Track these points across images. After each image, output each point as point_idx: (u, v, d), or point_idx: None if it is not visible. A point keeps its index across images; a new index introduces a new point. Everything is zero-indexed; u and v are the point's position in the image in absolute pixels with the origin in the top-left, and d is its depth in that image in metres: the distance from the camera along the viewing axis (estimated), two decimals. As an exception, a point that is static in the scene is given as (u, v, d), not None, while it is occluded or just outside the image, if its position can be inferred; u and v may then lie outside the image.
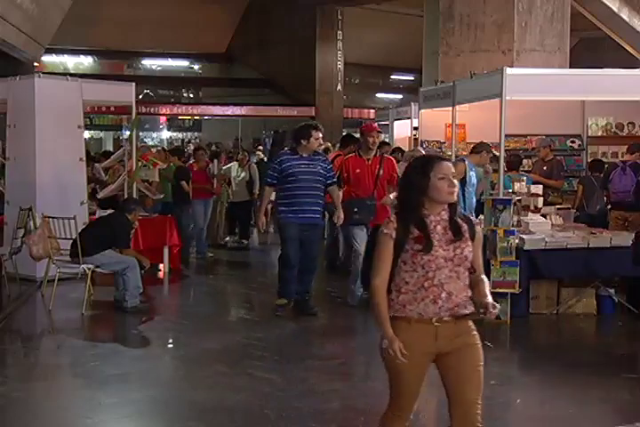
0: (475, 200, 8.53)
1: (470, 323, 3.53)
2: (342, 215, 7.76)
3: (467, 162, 8.43)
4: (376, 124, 8.43)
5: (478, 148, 8.73)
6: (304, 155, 7.57)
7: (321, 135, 7.61)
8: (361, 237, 7.90)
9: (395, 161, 8.36)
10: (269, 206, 12.98)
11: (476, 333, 3.54)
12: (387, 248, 3.48)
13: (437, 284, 3.44)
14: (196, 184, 11.61)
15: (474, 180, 8.49)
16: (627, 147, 9.84)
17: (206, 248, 11.81)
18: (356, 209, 7.86)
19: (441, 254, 3.43)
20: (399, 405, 3.64)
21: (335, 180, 7.82)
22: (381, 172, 7.93)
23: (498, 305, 3.44)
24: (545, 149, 10.22)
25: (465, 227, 3.51)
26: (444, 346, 3.47)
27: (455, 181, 3.47)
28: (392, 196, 8.00)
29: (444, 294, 3.43)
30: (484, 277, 3.59)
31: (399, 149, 10.83)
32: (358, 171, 7.94)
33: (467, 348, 3.50)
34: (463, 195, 8.18)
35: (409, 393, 3.60)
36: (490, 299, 3.44)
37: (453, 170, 3.51)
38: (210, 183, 12.09)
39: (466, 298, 3.48)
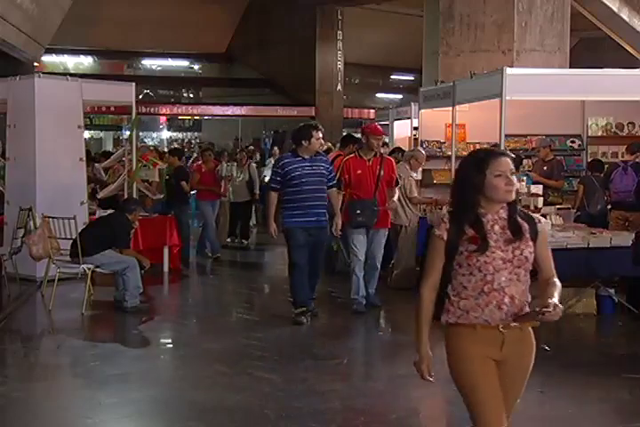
0: None
1: (530, 328, 3.30)
2: (340, 222, 7.60)
3: None
4: (380, 127, 8.22)
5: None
6: (306, 156, 7.35)
7: (322, 135, 7.43)
8: (361, 242, 7.82)
9: (394, 162, 8.23)
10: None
11: (534, 339, 3.33)
12: (437, 251, 3.25)
13: (498, 288, 3.20)
14: (204, 185, 11.64)
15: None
16: (626, 147, 9.84)
17: (219, 248, 11.87)
18: (358, 211, 7.68)
19: (499, 256, 3.19)
20: (486, 422, 3.28)
21: (335, 182, 7.64)
22: (382, 172, 7.75)
23: (561, 306, 3.09)
24: (545, 150, 10.22)
25: (526, 226, 3.25)
26: (507, 353, 3.25)
27: (514, 178, 3.23)
28: (395, 198, 8.01)
29: (506, 299, 3.20)
30: (556, 280, 3.30)
31: (399, 149, 10.82)
32: (359, 172, 7.75)
33: (524, 355, 3.30)
34: None
35: (492, 406, 3.27)
36: (555, 299, 3.14)
37: (512, 166, 3.25)
38: (217, 185, 12.05)
39: (526, 302, 3.25)
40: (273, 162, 15.11)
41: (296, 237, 7.31)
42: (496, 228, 3.23)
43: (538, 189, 8.49)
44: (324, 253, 7.86)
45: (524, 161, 10.47)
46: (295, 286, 7.49)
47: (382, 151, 9.57)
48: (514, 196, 3.23)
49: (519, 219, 3.26)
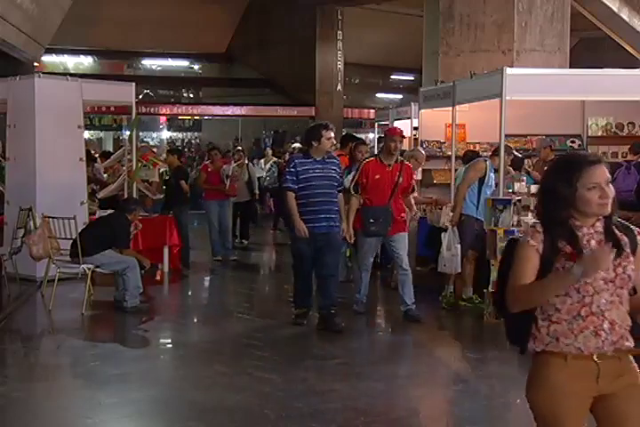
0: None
1: (631, 358, 2.92)
2: (348, 228, 7.33)
3: (488, 162, 8.30)
4: (398, 128, 7.85)
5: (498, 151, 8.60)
6: (317, 158, 7.07)
7: (333, 134, 7.12)
8: (371, 248, 7.65)
9: (412, 168, 7.86)
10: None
11: (638, 370, 2.92)
12: (531, 264, 2.83)
13: (597, 311, 2.82)
14: (210, 185, 11.52)
15: (492, 181, 8.36)
16: (629, 147, 9.83)
17: (230, 251, 11.61)
18: (371, 220, 7.38)
19: (600, 275, 2.78)
20: None
21: (342, 187, 7.34)
22: (401, 179, 7.44)
23: None
24: (545, 150, 10.21)
25: (625, 239, 2.87)
26: (606, 387, 2.84)
27: (609, 189, 2.82)
28: (415, 208, 7.86)
29: (606, 325, 2.81)
30: None
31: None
32: (378, 177, 7.41)
33: (632, 389, 2.87)
34: (479, 193, 8.13)
35: None
36: None
37: (608, 174, 2.85)
38: (223, 184, 11.68)
39: (628, 328, 2.87)
40: (263, 163, 14.99)
41: (303, 241, 7.06)
42: (592, 243, 2.85)
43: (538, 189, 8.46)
44: (339, 258, 7.55)
45: (525, 161, 10.47)
46: (297, 289, 7.42)
47: (361, 150, 9.50)
48: (609, 209, 2.85)
49: (618, 231, 2.90)
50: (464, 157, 9.28)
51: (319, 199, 7.00)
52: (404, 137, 7.62)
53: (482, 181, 8.16)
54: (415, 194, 8.40)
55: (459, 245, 7.97)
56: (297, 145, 18.49)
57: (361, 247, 7.65)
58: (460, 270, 8.06)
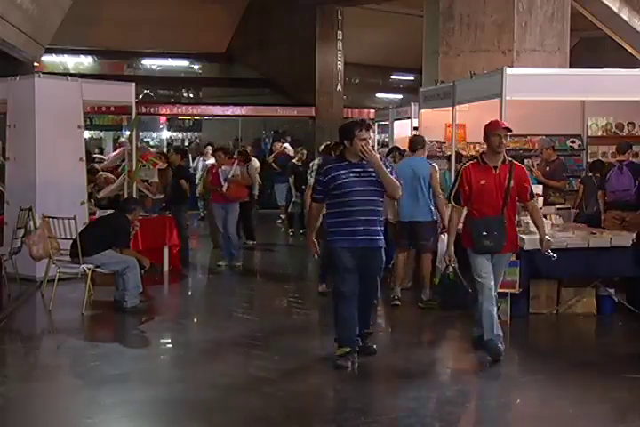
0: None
1: None
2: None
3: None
4: (502, 121, 6.58)
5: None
6: (353, 160, 6.04)
7: (370, 135, 6.10)
8: (486, 268, 6.26)
9: (525, 169, 6.46)
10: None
11: None
12: None
13: None
14: (213, 186, 11.16)
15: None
16: (615, 148, 9.87)
17: (235, 257, 10.97)
18: (484, 233, 6.15)
19: None
20: None
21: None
22: (512, 183, 6.15)
23: None
24: (547, 151, 10.19)
25: None
26: None
27: None
28: (547, 224, 6.79)
29: None
30: None
31: (397, 149, 10.79)
32: (483, 182, 6.17)
33: None
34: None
35: None
36: None
37: None
38: (220, 186, 10.94)
39: None
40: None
41: (342, 260, 6.02)
42: None
43: (538, 189, 8.49)
44: (379, 279, 6.34)
45: (525, 161, 10.48)
46: (339, 319, 6.14)
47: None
48: None
49: None
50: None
51: (358, 208, 5.96)
52: (509, 130, 6.22)
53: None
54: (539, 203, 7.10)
55: (452, 248, 8.00)
56: (287, 145, 18.49)
57: (474, 270, 6.29)
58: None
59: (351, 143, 5.99)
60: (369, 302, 6.37)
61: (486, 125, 6.32)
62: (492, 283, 6.24)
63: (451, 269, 6.56)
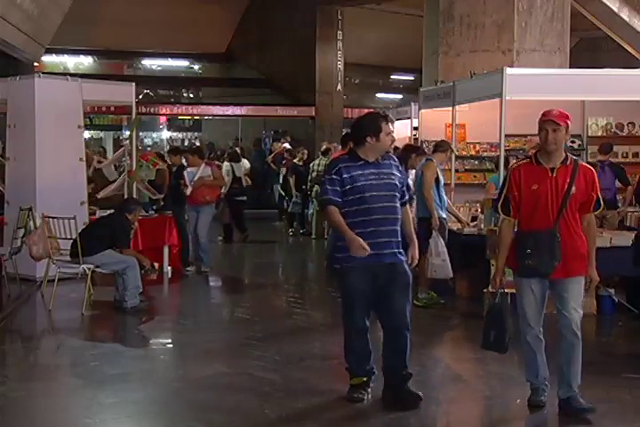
0: (446, 199, 8.49)
1: None
2: (417, 254, 5.33)
3: (435, 161, 8.35)
4: (558, 110, 5.14)
5: (444, 146, 8.62)
6: (370, 160, 5.15)
7: (392, 129, 5.26)
8: (530, 300, 5.11)
9: (594, 173, 5.20)
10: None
11: None
12: None
13: None
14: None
15: (443, 179, 8.47)
16: (598, 148, 10.00)
17: (203, 263, 10.50)
18: (529, 250, 4.95)
19: None
20: None
21: (409, 197, 5.50)
22: (573, 189, 4.95)
23: None
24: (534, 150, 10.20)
25: None
26: None
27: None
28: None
29: None
30: None
31: (395, 148, 10.78)
32: (535, 187, 4.96)
33: None
34: (439, 195, 8.18)
35: None
36: None
37: None
38: (185, 187, 10.36)
39: None
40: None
41: (353, 280, 5.10)
42: None
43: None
44: (409, 300, 5.30)
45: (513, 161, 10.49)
46: (349, 349, 5.38)
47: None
48: None
49: None
50: (403, 152, 8.55)
51: (377, 216, 5.07)
52: (566, 122, 5.02)
53: (437, 180, 8.18)
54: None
55: (445, 250, 7.98)
56: (286, 145, 18.50)
57: (519, 297, 5.16)
58: (451, 275, 8.10)
59: (377, 139, 5.09)
60: (401, 332, 5.21)
61: (541, 116, 5.14)
62: (537, 318, 5.20)
63: (500, 296, 5.26)
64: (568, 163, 5.02)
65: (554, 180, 4.97)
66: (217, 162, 14.46)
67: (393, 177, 5.17)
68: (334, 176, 5.10)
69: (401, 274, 5.15)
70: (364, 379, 5.29)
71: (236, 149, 17.10)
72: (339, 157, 5.45)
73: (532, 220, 4.99)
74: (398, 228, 5.19)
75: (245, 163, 14.70)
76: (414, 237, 5.34)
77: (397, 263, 5.14)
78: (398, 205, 5.19)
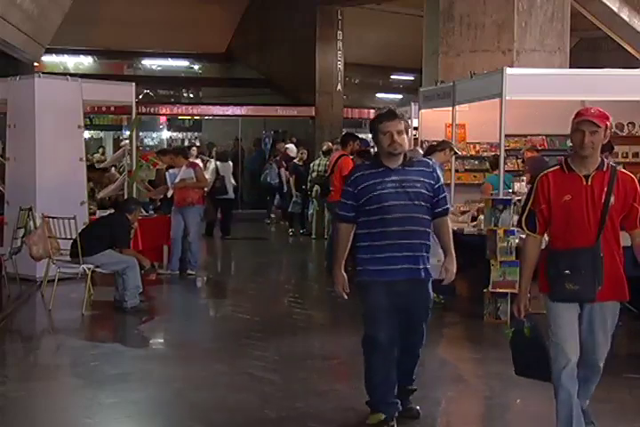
0: None
1: None
2: (454, 270, 4.85)
3: (433, 161, 8.29)
4: (596, 108, 4.27)
5: (442, 145, 8.54)
6: (392, 166, 4.71)
7: (398, 125, 4.80)
8: (566, 325, 4.37)
9: (636, 180, 4.36)
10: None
11: None
12: None
13: None
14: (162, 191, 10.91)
15: (441, 179, 8.38)
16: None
17: (190, 265, 10.26)
18: (567, 271, 4.24)
19: None
20: None
21: (448, 206, 4.94)
22: (612, 199, 4.22)
23: None
24: (527, 152, 10.21)
25: None
26: None
27: None
28: None
29: None
30: None
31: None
32: (568, 198, 4.25)
33: None
34: None
35: None
36: None
37: None
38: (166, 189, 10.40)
39: None
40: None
41: (375, 297, 4.69)
42: None
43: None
44: (426, 320, 4.91)
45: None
46: (372, 375, 4.80)
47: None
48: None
49: None
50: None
51: (396, 228, 4.63)
52: (606, 123, 4.21)
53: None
54: None
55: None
56: (291, 146, 18.50)
57: (554, 326, 4.41)
58: None
59: (376, 140, 4.83)
60: (412, 353, 4.92)
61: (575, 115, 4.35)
62: (574, 348, 4.35)
63: (526, 322, 4.60)
64: (605, 169, 4.27)
65: (589, 188, 4.24)
66: (206, 157, 14.62)
67: (419, 185, 4.68)
68: (349, 188, 4.76)
69: (418, 291, 4.74)
70: (382, 417, 4.67)
71: (226, 149, 17.25)
72: (360, 165, 5.14)
73: (567, 236, 4.30)
74: (427, 241, 4.73)
75: (229, 164, 14.75)
76: (451, 250, 4.84)
77: (413, 278, 4.68)
78: (426, 215, 4.70)
